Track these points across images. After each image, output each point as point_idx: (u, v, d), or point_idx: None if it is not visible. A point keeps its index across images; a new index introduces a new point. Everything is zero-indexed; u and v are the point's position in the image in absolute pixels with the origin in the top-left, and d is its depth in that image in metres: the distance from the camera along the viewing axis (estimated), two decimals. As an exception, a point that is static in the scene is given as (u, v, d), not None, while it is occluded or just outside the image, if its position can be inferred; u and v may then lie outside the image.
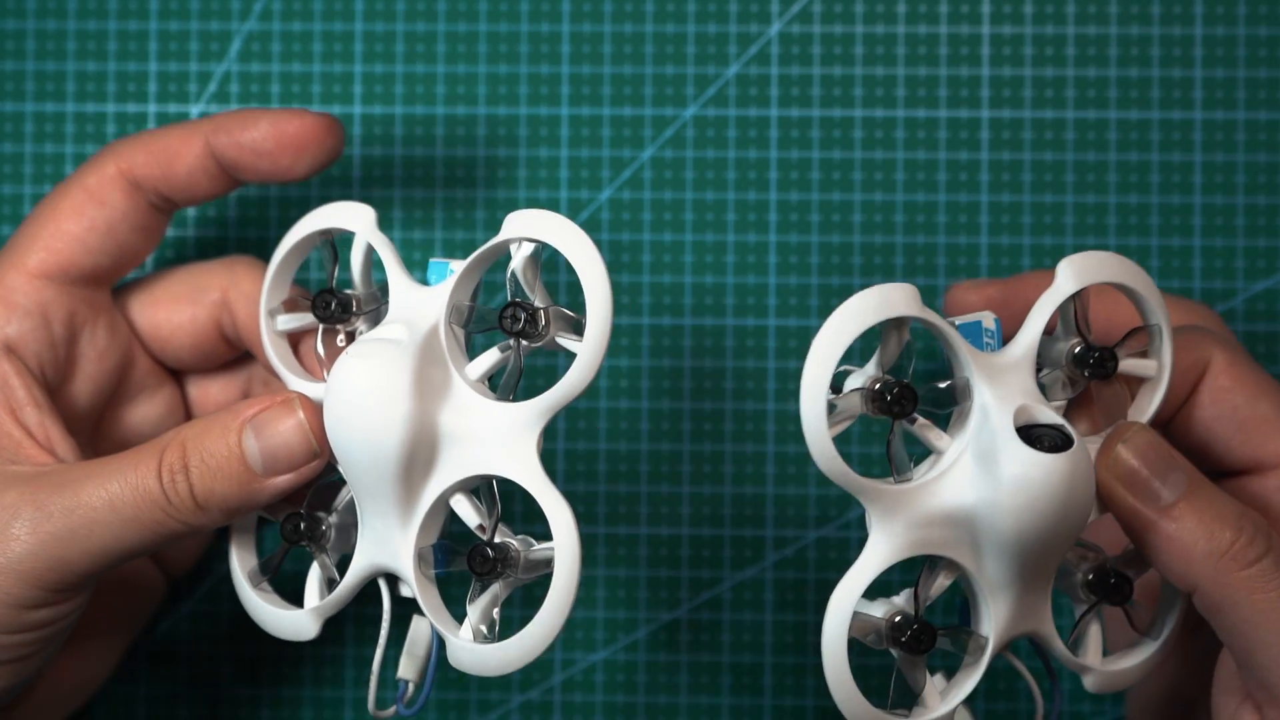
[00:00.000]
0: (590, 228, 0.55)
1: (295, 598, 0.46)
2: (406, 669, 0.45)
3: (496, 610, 0.43)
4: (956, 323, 0.43)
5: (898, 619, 0.43)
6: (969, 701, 0.43)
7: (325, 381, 0.44)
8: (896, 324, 0.42)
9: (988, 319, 0.43)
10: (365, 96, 0.56)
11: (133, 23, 0.56)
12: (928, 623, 0.42)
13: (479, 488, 0.44)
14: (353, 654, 0.55)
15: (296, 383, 0.46)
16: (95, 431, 0.49)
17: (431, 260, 0.45)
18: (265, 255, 0.49)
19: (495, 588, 0.43)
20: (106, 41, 0.56)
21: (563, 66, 0.55)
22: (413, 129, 0.55)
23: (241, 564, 0.47)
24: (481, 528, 0.43)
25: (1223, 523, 0.41)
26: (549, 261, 0.53)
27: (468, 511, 0.43)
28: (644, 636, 0.55)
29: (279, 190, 0.55)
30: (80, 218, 0.47)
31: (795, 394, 0.54)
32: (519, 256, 0.44)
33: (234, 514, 0.44)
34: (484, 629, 0.43)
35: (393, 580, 0.45)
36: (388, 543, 0.43)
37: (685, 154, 0.55)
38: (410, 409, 0.42)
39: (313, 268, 0.55)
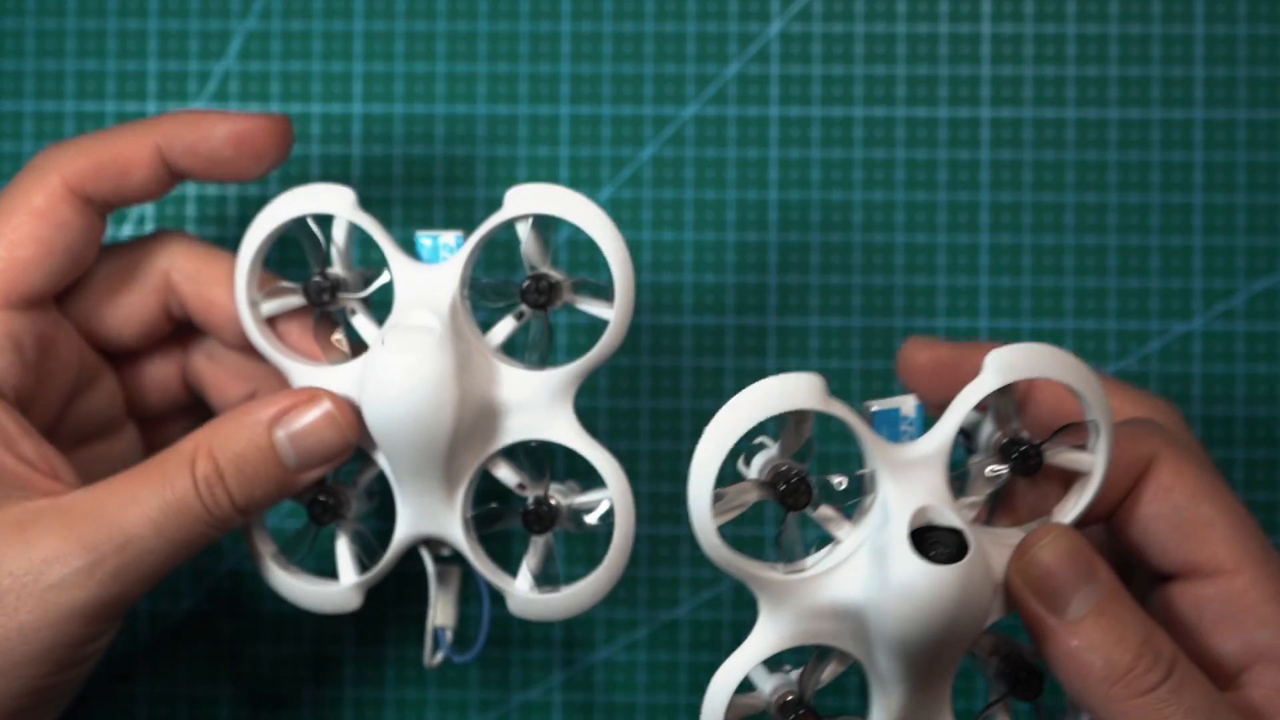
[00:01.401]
0: (590, 227, 0.55)
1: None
2: (445, 616, 0.48)
3: (551, 561, 0.47)
4: (874, 409, 0.41)
5: (787, 699, 0.42)
6: None
7: (323, 363, 0.46)
8: (799, 414, 0.41)
9: (907, 405, 0.41)
10: (365, 96, 0.55)
11: (133, 22, 0.56)
12: (813, 709, 0.42)
13: (516, 450, 0.46)
14: (352, 653, 0.55)
15: (299, 368, 0.47)
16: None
17: (419, 234, 0.46)
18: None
19: (547, 539, 0.46)
20: (106, 41, 0.56)
21: (563, 66, 0.55)
22: (413, 129, 0.55)
23: (264, 549, 0.47)
24: (521, 486, 0.46)
25: (1124, 646, 0.39)
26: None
27: (507, 474, 0.46)
28: (644, 636, 0.55)
29: (238, 189, 0.55)
30: (36, 243, 0.45)
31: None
32: (525, 231, 0.45)
33: (269, 508, 0.45)
34: (538, 579, 0.47)
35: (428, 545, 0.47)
36: (432, 513, 0.46)
37: (685, 153, 0.55)
38: (458, 394, 0.44)
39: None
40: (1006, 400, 0.42)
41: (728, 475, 0.41)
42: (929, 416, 0.42)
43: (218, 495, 0.44)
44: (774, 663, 0.43)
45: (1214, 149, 0.55)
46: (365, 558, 0.48)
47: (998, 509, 0.43)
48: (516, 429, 0.46)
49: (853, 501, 0.42)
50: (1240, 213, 0.55)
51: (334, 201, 0.46)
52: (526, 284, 0.45)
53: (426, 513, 0.46)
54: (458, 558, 0.48)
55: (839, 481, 0.41)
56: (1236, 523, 0.42)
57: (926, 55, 0.55)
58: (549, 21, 0.55)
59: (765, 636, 0.41)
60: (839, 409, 0.40)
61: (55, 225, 0.46)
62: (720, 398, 0.54)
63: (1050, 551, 0.40)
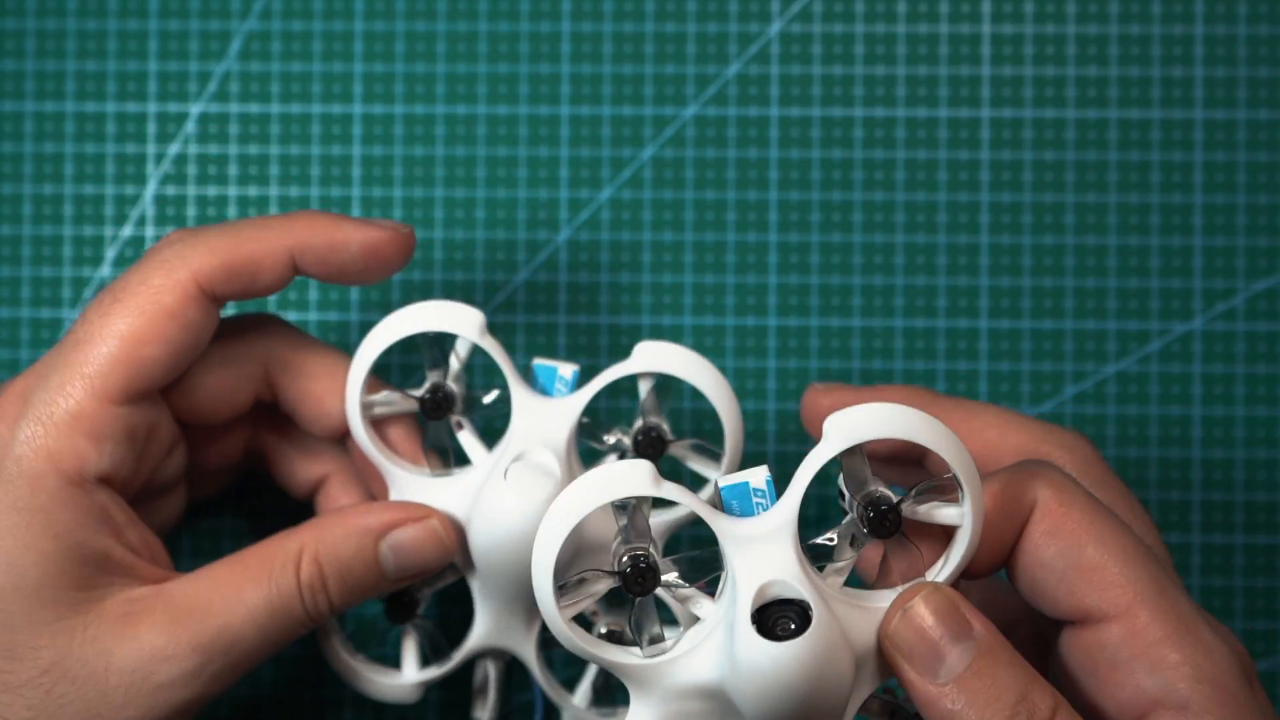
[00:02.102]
0: (590, 228, 0.55)
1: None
2: (480, 710, 0.50)
3: (611, 683, 0.49)
4: (721, 485, 0.40)
5: None
6: None
7: (423, 470, 0.49)
8: (634, 501, 0.40)
9: (756, 477, 0.40)
10: (365, 96, 0.55)
11: (133, 22, 0.56)
12: None
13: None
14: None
15: (401, 474, 0.48)
16: None
17: (537, 363, 0.48)
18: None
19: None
20: (106, 41, 0.56)
21: (563, 66, 0.55)
22: (413, 129, 0.55)
23: (334, 633, 0.49)
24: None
25: (998, 706, 0.38)
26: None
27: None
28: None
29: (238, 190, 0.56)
30: (164, 343, 0.45)
31: (795, 394, 0.54)
32: (646, 386, 0.48)
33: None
34: (595, 699, 0.50)
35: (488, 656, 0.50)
36: (510, 630, 0.49)
37: (685, 154, 0.55)
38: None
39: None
40: (856, 462, 0.40)
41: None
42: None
43: (319, 600, 0.45)
44: None
45: (1214, 149, 0.55)
46: (429, 652, 0.50)
47: (880, 573, 0.41)
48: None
49: (714, 577, 0.41)
50: (1240, 213, 0.55)
51: (463, 324, 0.47)
52: (639, 432, 0.47)
53: (504, 629, 0.49)
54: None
55: (670, 571, 0.40)
56: (1127, 563, 0.40)
57: (926, 56, 0.55)
58: (549, 21, 0.55)
59: (638, 718, 0.41)
60: (673, 491, 0.39)
61: (183, 326, 0.45)
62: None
63: (914, 614, 0.39)
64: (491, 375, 0.53)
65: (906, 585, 0.40)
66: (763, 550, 0.39)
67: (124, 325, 0.45)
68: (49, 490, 0.44)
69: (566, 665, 0.52)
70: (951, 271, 0.55)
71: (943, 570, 0.40)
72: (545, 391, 0.48)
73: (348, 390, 0.48)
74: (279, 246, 0.46)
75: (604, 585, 0.40)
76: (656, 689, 0.40)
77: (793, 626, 0.38)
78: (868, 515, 0.40)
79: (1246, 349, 0.54)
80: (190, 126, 0.56)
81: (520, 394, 0.48)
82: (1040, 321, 0.55)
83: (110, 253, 0.56)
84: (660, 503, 0.42)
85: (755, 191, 0.55)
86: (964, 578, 0.41)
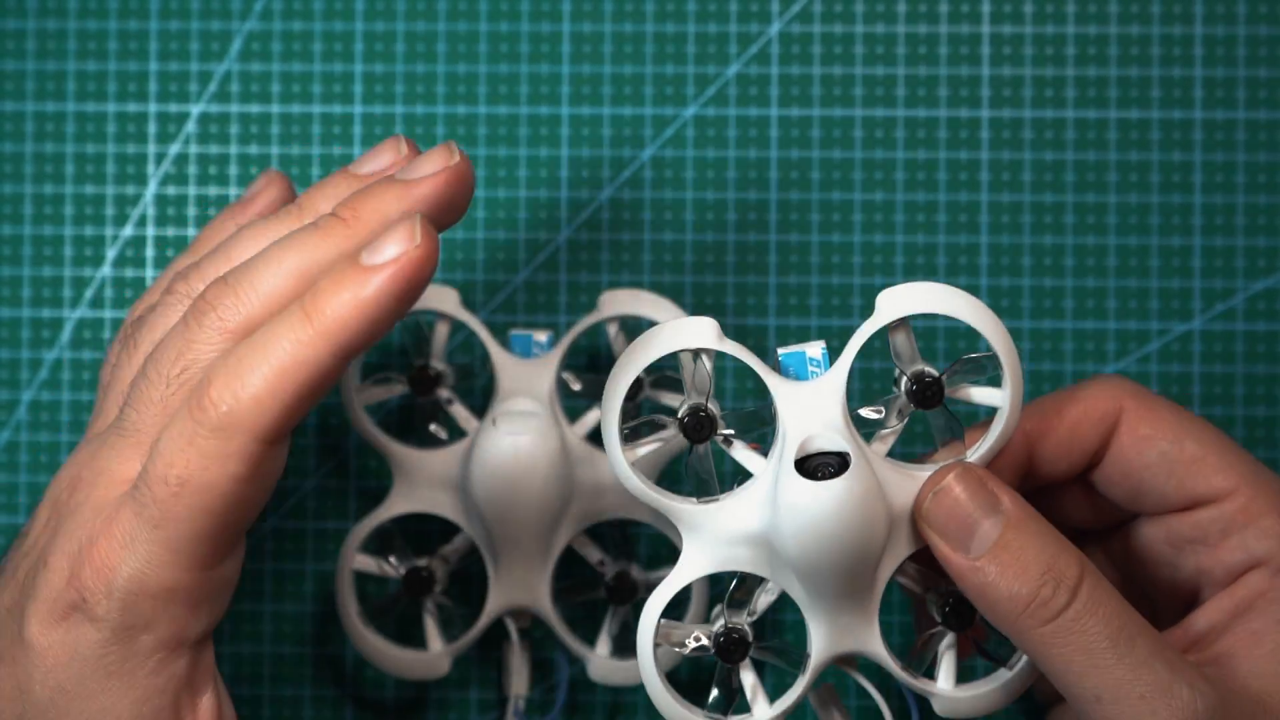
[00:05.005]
0: (591, 228, 0.55)
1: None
2: (521, 685, 0.52)
3: (629, 631, 0.50)
4: (781, 353, 0.44)
5: (717, 628, 0.44)
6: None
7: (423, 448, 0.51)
8: (696, 354, 0.44)
9: (814, 349, 0.44)
10: (365, 96, 0.56)
11: (133, 23, 0.56)
12: (739, 634, 0.44)
13: (600, 527, 0.51)
14: (352, 653, 0.55)
15: (402, 450, 0.51)
16: None
17: (513, 332, 0.51)
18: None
19: (626, 610, 0.51)
20: (106, 41, 0.56)
21: (563, 66, 0.55)
22: (413, 129, 0.55)
23: (350, 608, 0.51)
24: (601, 563, 0.51)
25: (1025, 576, 0.41)
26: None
27: (590, 550, 0.51)
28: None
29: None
30: (246, 506, 0.41)
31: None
32: (900, 338, 0.45)
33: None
34: (616, 647, 0.51)
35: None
36: (525, 584, 0.50)
37: (685, 154, 0.55)
38: (560, 471, 0.49)
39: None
40: (904, 338, 0.43)
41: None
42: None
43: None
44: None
45: (1214, 149, 0.55)
46: (448, 626, 0.52)
47: (936, 453, 0.45)
48: (605, 507, 0.50)
49: (764, 433, 0.44)
50: (1240, 213, 0.55)
51: (442, 300, 0.51)
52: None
53: (519, 584, 0.50)
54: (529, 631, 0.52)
55: (747, 411, 0.44)
56: (1222, 451, 0.45)
57: (926, 56, 0.55)
58: (549, 22, 0.56)
59: (687, 564, 0.44)
60: (733, 348, 0.43)
61: (258, 485, 0.41)
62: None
63: (945, 492, 0.42)
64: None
65: (942, 464, 0.43)
66: (811, 407, 0.43)
67: (200, 501, 0.40)
68: (139, 656, 0.41)
69: (584, 621, 0.53)
70: (951, 271, 0.55)
71: (979, 450, 0.44)
72: (799, 376, 0.44)
73: (343, 379, 0.50)
74: (330, 369, 0.40)
75: (666, 433, 0.44)
76: (708, 534, 0.44)
77: (832, 471, 0.42)
78: (912, 388, 0.43)
79: (1246, 349, 0.54)
80: (190, 126, 0.56)
81: (501, 358, 0.51)
82: (1040, 321, 0.55)
83: (110, 253, 0.56)
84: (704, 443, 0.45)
85: (755, 191, 0.55)
86: (1049, 482, 0.46)
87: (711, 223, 0.55)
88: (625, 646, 0.51)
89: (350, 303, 0.39)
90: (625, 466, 0.44)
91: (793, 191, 0.55)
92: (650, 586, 0.49)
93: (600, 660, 0.51)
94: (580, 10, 0.55)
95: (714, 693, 0.45)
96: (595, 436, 0.50)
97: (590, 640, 0.52)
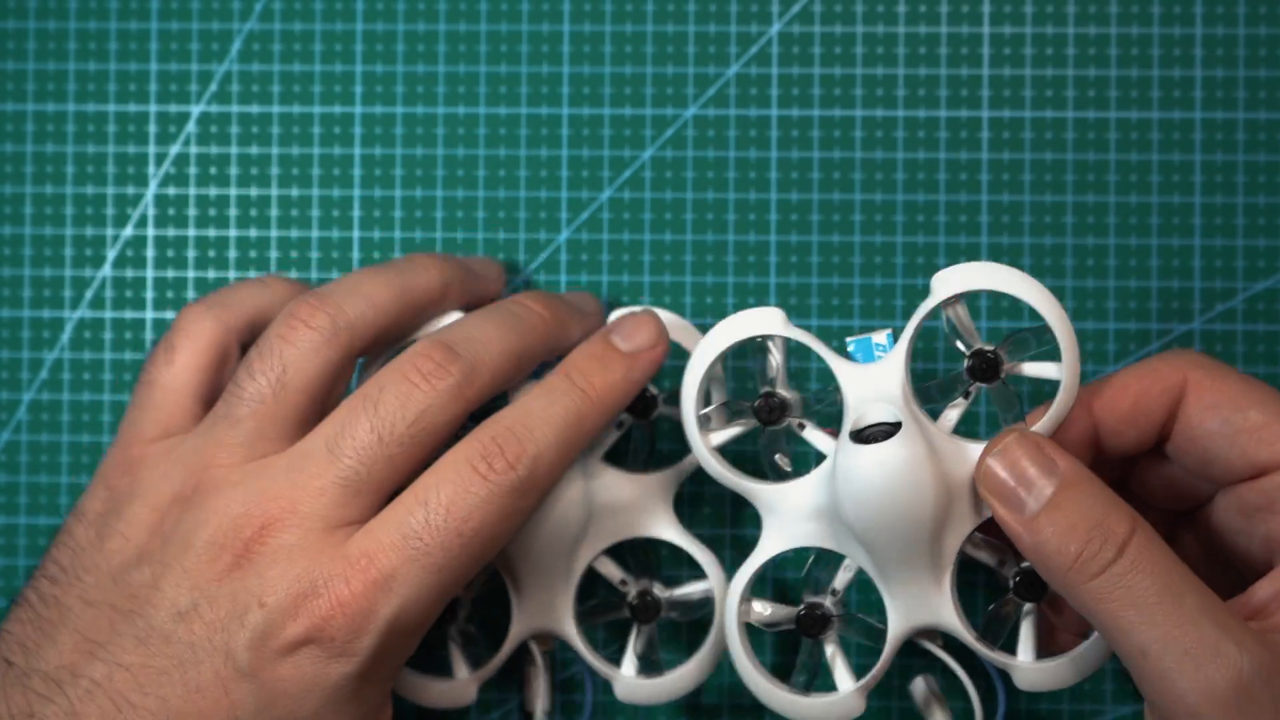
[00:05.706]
0: (590, 228, 0.55)
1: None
2: (544, 703, 0.52)
3: (653, 649, 0.51)
4: (850, 341, 0.46)
5: (801, 604, 0.47)
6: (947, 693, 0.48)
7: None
8: (766, 343, 0.47)
9: (880, 335, 0.46)
10: (365, 96, 0.56)
11: (133, 23, 0.56)
12: (819, 609, 0.47)
13: (620, 547, 0.51)
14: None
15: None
16: None
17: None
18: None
19: (651, 629, 0.51)
20: (107, 41, 0.56)
21: (563, 66, 0.55)
22: (413, 129, 0.55)
23: None
24: (623, 582, 0.51)
25: (1073, 534, 0.42)
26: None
27: (611, 570, 0.51)
28: None
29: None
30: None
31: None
32: (955, 312, 0.47)
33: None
34: (641, 666, 0.51)
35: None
36: (549, 607, 0.50)
37: (685, 154, 0.55)
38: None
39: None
40: (963, 315, 0.46)
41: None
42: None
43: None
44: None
45: (1213, 149, 0.55)
46: (473, 653, 0.52)
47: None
48: (622, 528, 0.50)
49: (836, 412, 0.46)
50: (1240, 213, 0.55)
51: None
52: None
53: (545, 606, 0.50)
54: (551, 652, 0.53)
55: (816, 393, 0.47)
56: None
57: (926, 56, 0.55)
58: (549, 22, 0.56)
59: (768, 541, 0.47)
60: (799, 334, 0.46)
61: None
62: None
63: (1001, 455, 0.44)
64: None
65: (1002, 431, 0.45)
66: (872, 384, 0.46)
67: (487, 550, 0.46)
68: (376, 683, 0.45)
69: (608, 643, 0.53)
70: (951, 272, 0.55)
71: (1042, 423, 0.45)
72: (866, 360, 0.47)
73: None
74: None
75: (740, 421, 0.47)
76: (784, 512, 0.47)
77: (885, 438, 0.44)
78: (971, 363, 0.46)
79: (1246, 349, 0.54)
80: (191, 127, 0.56)
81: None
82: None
83: (110, 253, 0.56)
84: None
85: (755, 191, 0.55)
86: (1119, 455, 0.47)
87: (711, 223, 0.55)
88: (651, 665, 0.51)
89: (620, 382, 0.48)
90: (705, 452, 0.46)
91: (793, 191, 0.55)
92: (673, 604, 0.51)
93: (626, 680, 0.51)
94: (580, 11, 0.55)
95: (798, 668, 0.47)
96: (609, 455, 0.50)
97: (615, 660, 0.51)
